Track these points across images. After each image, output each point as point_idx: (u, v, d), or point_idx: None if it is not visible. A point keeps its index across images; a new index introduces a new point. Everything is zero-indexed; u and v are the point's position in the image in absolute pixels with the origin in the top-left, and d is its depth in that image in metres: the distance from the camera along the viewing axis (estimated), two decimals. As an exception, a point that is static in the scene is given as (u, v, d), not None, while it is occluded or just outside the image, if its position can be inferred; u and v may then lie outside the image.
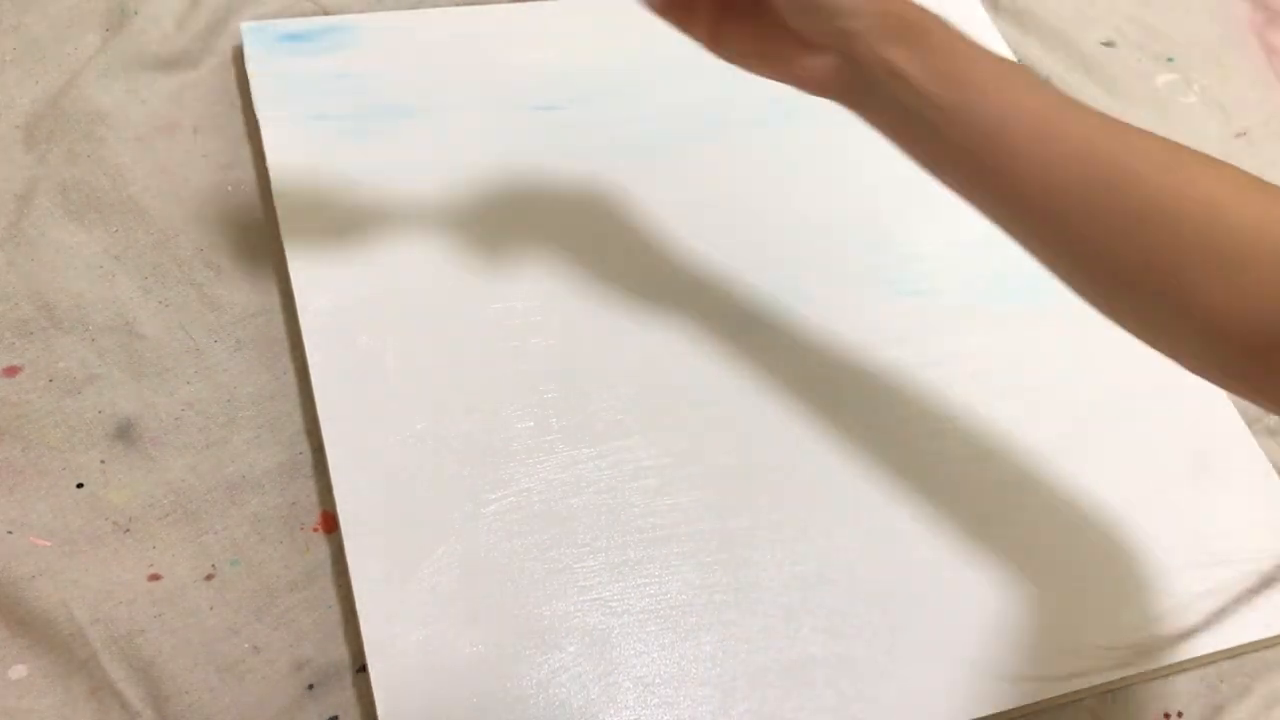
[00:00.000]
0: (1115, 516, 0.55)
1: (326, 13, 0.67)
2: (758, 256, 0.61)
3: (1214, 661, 0.54)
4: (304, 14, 0.66)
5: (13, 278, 0.54)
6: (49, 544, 0.48)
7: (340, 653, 0.48)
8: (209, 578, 0.48)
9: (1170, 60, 0.78)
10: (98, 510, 0.49)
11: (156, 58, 0.62)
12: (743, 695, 0.48)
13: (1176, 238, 0.39)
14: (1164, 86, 0.76)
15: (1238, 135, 0.75)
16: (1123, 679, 0.52)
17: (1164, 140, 0.41)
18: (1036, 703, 0.50)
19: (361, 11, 0.67)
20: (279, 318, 0.56)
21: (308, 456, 0.52)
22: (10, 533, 0.48)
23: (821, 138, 0.66)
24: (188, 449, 0.51)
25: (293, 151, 0.59)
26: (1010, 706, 0.50)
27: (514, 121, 0.63)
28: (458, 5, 0.69)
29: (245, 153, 0.60)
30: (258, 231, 0.58)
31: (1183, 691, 0.53)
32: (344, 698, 0.47)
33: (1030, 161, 0.41)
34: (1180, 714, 0.53)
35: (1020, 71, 0.44)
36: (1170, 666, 0.53)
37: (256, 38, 0.63)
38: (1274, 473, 0.59)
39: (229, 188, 0.59)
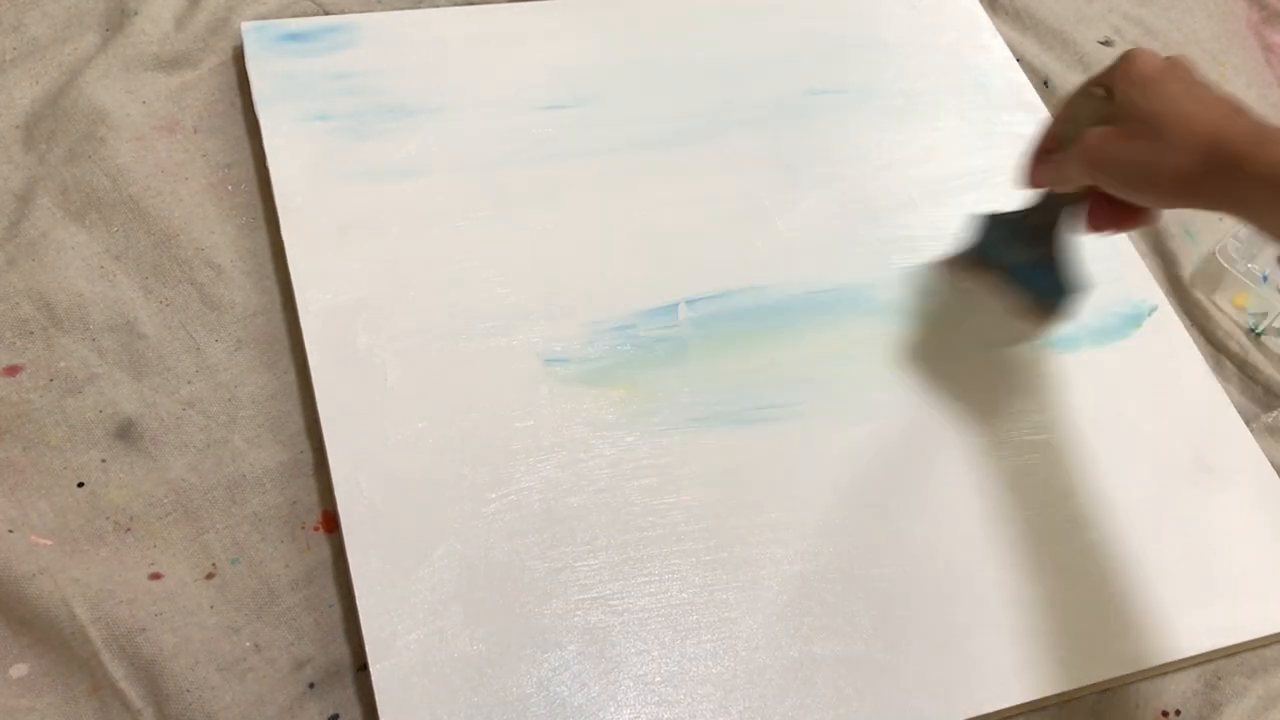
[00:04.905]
0: (1115, 515, 0.56)
1: (327, 12, 0.67)
2: (758, 255, 0.61)
3: (1212, 660, 0.54)
4: (304, 14, 0.66)
5: (13, 277, 0.54)
6: (50, 543, 0.48)
7: (341, 651, 0.48)
8: (210, 577, 0.48)
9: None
10: (98, 509, 0.49)
11: (157, 57, 0.62)
12: (742, 693, 0.48)
13: None
14: (1163, 86, 0.76)
15: (1236, 134, 0.75)
16: (1121, 677, 0.52)
17: None
18: (1035, 700, 0.50)
19: (361, 11, 0.67)
20: (279, 317, 0.56)
21: (308, 456, 0.52)
22: (11, 531, 0.48)
23: (822, 138, 0.66)
24: (188, 448, 0.51)
25: (293, 151, 0.59)
26: (1009, 704, 0.50)
27: (513, 121, 0.63)
28: (458, 5, 0.69)
29: (245, 152, 0.60)
30: (258, 231, 0.58)
31: (1181, 690, 0.53)
32: (345, 696, 0.47)
33: None
34: (1178, 712, 0.53)
35: None
36: (1168, 665, 0.53)
37: (256, 37, 0.63)
38: (1274, 472, 0.59)
39: (229, 187, 0.59)
